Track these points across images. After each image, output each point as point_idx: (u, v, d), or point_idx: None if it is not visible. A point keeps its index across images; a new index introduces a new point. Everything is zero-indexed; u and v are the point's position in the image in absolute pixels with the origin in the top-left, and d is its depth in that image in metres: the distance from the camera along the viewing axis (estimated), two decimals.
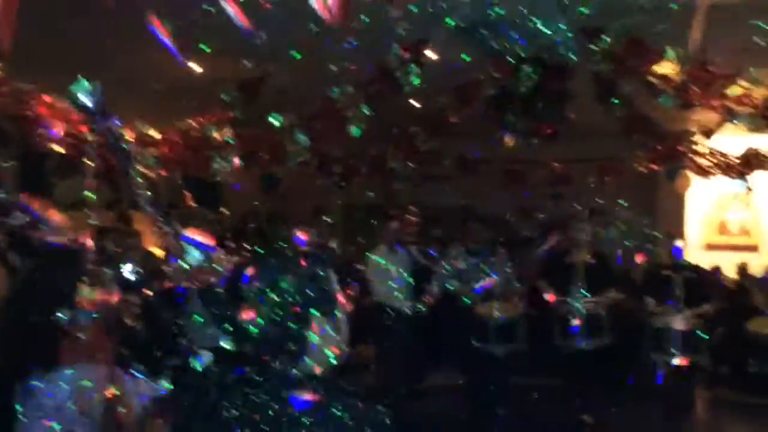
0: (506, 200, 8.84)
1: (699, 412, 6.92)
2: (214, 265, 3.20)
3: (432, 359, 7.03)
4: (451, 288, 6.53)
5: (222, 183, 4.61)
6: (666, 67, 3.52)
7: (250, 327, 1.49)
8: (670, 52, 3.53)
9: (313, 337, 1.52)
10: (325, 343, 1.54)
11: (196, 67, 5.33)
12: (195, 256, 3.15)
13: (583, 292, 6.24)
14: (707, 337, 5.97)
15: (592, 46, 3.82)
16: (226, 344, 3.49)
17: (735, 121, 3.56)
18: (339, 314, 1.58)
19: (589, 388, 6.56)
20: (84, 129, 2.78)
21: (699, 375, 6.68)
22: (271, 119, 4.17)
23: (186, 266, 3.11)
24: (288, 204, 8.37)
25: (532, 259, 7.78)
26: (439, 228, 8.44)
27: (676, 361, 5.81)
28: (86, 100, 2.79)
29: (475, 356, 6.28)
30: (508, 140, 4.63)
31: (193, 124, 4.25)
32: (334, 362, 1.56)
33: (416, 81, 4.00)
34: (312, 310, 1.51)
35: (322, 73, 4.01)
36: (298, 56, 4.33)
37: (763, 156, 6.11)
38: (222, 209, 7.74)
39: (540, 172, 8.08)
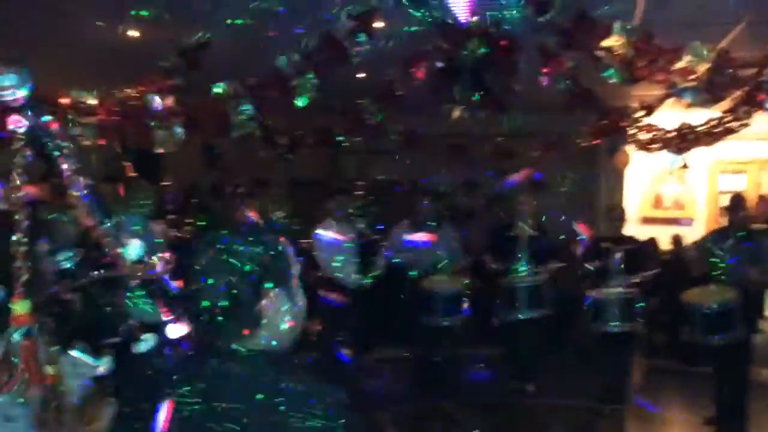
0: (451, 174, 8.89)
1: (635, 380, 7.17)
2: (154, 258, 3.12)
3: (378, 333, 7.08)
4: (398, 261, 6.57)
5: (164, 154, 4.45)
6: (613, 42, 3.56)
7: (200, 301, 1.42)
8: (618, 27, 3.57)
9: (268, 311, 1.46)
10: (280, 316, 1.49)
11: (134, 33, 5.14)
12: (135, 250, 3.06)
13: (527, 264, 6.39)
14: (644, 306, 6.17)
15: (541, 19, 3.84)
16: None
17: (682, 96, 3.63)
18: (295, 286, 1.53)
19: (531, 356, 6.75)
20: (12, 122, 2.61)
21: (635, 343, 6.92)
22: (214, 88, 4.05)
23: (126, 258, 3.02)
24: (231, 176, 8.22)
25: (477, 231, 7.87)
26: (385, 202, 8.44)
27: (615, 329, 5.97)
28: (12, 94, 2.62)
29: (422, 329, 6.34)
30: (456, 113, 4.62)
31: (133, 92, 4.08)
32: (290, 336, 1.52)
33: (362, 42, 3.92)
34: (266, 282, 1.45)
35: (268, 41, 3.91)
36: (240, 21, 4.22)
37: (698, 131, 6.28)
38: (164, 181, 7.54)
39: (484, 147, 8.12)
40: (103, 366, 3.39)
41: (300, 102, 4.04)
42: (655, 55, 3.56)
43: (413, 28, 4.48)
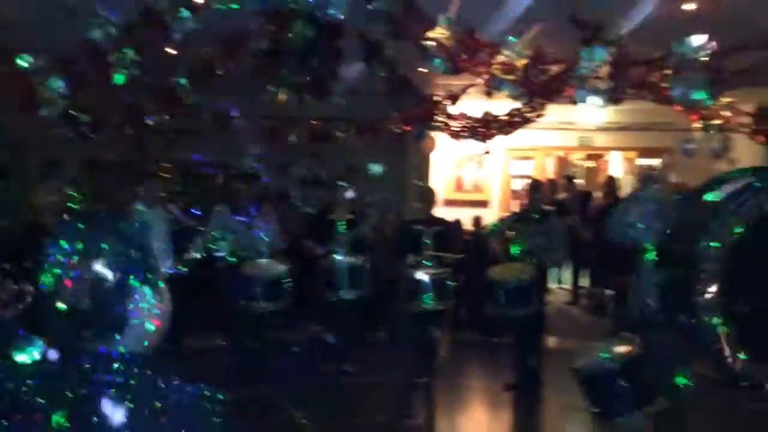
0: (265, 157, 8.75)
1: (444, 353, 7.61)
2: None
3: (197, 321, 6.81)
4: (215, 248, 6.35)
5: None
6: (439, 34, 3.71)
7: (57, 303, 1.26)
8: (443, 19, 3.72)
9: (133, 310, 1.34)
10: (146, 316, 1.37)
11: None
12: None
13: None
14: (453, 285, 6.54)
15: (369, 6, 3.88)
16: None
17: (501, 88, 3.89)
18: (162, 283, 1.41)
19: (351, 337, 6.91)
20: None
21: (445, 319, 7.35)
22: (18, 60, 3.59)
23: None
24: (19, 158, 7.40)
25: (295, 215, 7.85)
26: (199, 186, 8.11)
27: (427, 306, 6.26)
28: None
29: (243, 315, 6.21)
30: (283, 96, 4.54)
31: None
32: (156, 337, 1.40)
33: (185, 18, 3.70)
34: (131, 279, 1.33)
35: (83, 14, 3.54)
36: None
37: (500, 120, 6.78)
38: None
39: (299, 129, 8.11)
40: None
41: (117, 79, 3.73)
42: (477, 49, 3.76)
43: (235, 6, 4.33)
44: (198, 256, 6.01)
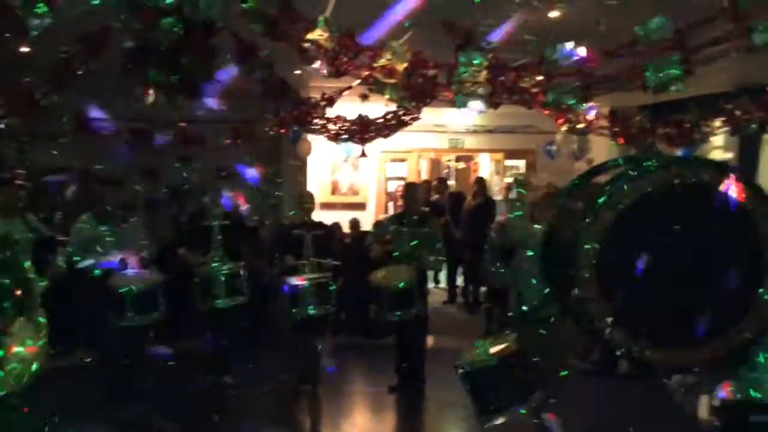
0: (132, 161, 8.29)
1: (325, 357, 7.53)
2: None
3: (62, 337, 6.31)
4: (79, 260, 5.93)
5: None
6: (318, 35, 3.64)
7: None
8: (322, 21, 3.66)
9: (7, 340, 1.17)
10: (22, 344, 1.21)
11: None
12: None
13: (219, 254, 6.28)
14: (333, 289, 6.48)
15: (243, 6, 3.75)
16: None
17: (383, 92, 3.87)
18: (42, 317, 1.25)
19: (230, 346, 6.68)
20: None
21: (326, 323, 7.28)
22: None
23: None
24: None
25: (166, 223, 7.50)
26: (59, 193, 7.55)
27: (309, 312, 6.16)
28: None
29: (111, 330, 5.82)
30: (151, 96, 4.29)
31: None
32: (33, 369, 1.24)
33: (41, 14, 3.39)
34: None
35: None
36: None
37: (377, 123, 6.81)
38: None
39: (169, 132, 7.75)
40: None
41: None
42: (357, 52, 3.73)
43: (95, 1, 4.05)
44: (61, 268, 5.58)
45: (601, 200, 2.40)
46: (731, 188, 2.37)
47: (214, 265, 6.18)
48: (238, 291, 6.22)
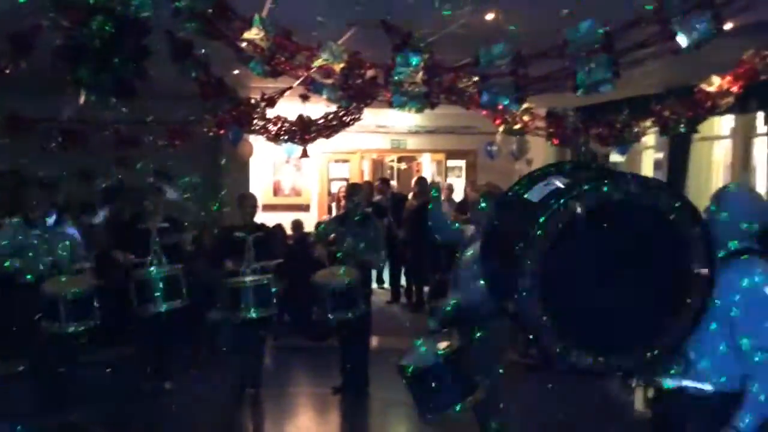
0: (65, 163, 8.06)
1: (268, 361, 7.48)
2: None
3: None
4: (7, 264, 5.74)
5: None
6: (254, 35, 3.60)
7: None
8: (258, 20, 3.62)
9: None
10: None
11: None
12: None
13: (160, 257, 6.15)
14: (275, 291, 6.42)
15: (177, 4, 3.67)
16: None
17: (321, 93, 3.85)
18: None
19: (168, 352, 6.56)
20: None
21: (270, 326, 7.22)
22: None
23: None
24: None
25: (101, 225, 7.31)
26: None
27: (251, 315, 6.08)
28: None
29: (44, 338, 5.64)
30: (82, 97, 4.17)
31: None
32: None
33: None
34: None
35: None
36: None
37: (318, 124, 6.79)
38: None
39: (104, 134, 7.56)
40: None
41: None
42: (294, 51, 3.71)
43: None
44: None
45: (541, 219, 2.49)
46: (658, 199, 2.49)
47: (152, 268, 6.04)
48: (177, 295, 6.09)
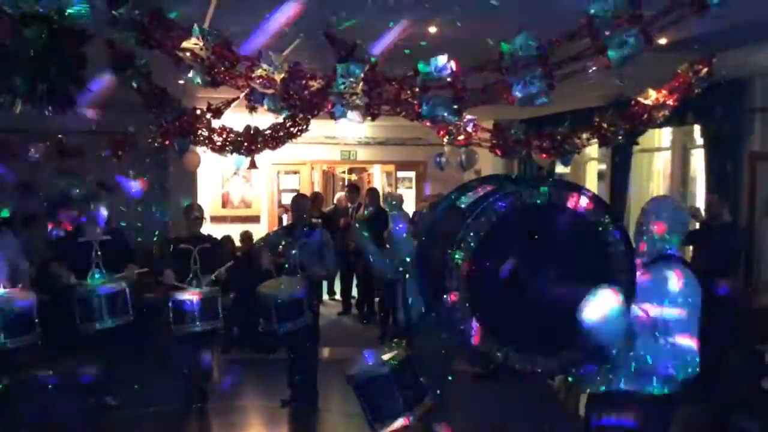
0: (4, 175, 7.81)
1: (217, 375, 7.37)
2: None
3: None
4: None
5: None
6: (193, 44, 3.57)
7: None
8: (197, 29, 3.59)
9: None
10: None
11: None
12: None
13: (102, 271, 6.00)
14: (222, 302, 6.35)
15: (114, 13, 3.62)
16: None
17: (262, 103, 3.84)
18: None
19: (112, 367, 6.41)
20: None
21: (216, 340, 7.13)
22: None
23: None
24: None
25: (41, 239, 7.11)
26: None
27: (196, 328, 6.00)
28: None
29: None
30: (18, 107, 4.05)
31: None
32: None
33: None
34: None
35: None
36: None
37: (265, 135, 6.75)
38: None
39: (43, 144, 7.35)
40: None
41: None
42: (234, 61, 3.69)
43: None
44: None
45: (468, 220, 2.56)
46: (579, 203, 2.58)
47: (94, 283, 5.89)
48: (122, 310, 5.94)
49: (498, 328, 2.58)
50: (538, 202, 2.57)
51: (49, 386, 6.46)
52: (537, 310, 2.57)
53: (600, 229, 2.64)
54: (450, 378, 5.03)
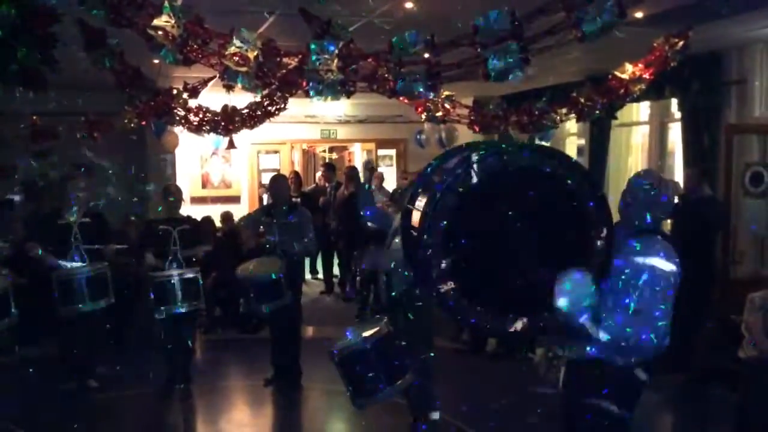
0: None
1: (199, 354, 7.38)
2: None
3: None
4: None
5: None
6: (164, 22, 3.51)
7: None
8: (168, 7, 3.53)
9: None
10: None
11: None
12: None
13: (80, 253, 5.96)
14: (203, 283, 6.33)
15: None
16: None
17: (235, 80, 3.80)
18: None
19: (94, 347, 6.38)
20: None
21: (198, 320, 7.11)
22: None
23: None
24: None
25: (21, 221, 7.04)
26: None
27: (177, 309, 5.98)
28: None
29: None
30: None
31: None
32: None
33: None
34: None
35: None
36: None
37: (242, 114, 6.70)
38: None
39: (17, 126, 7.24)
40: None
41: None
42: (206, 38, 3.65)
43: None
44: None
45: (444, 185, 2.56)
46: (556, 169, 2.60)
47: (75, 266, 5.84)
48: (103, 293, 5.90)
49: (472, 287, 2.58)
50: (519, 164, 2.57)
51: (30, 369, 6.42)
52: (511, 273, 2.59)
53: (575, 188, 2.65)
54: (432, 354, 5.07)
